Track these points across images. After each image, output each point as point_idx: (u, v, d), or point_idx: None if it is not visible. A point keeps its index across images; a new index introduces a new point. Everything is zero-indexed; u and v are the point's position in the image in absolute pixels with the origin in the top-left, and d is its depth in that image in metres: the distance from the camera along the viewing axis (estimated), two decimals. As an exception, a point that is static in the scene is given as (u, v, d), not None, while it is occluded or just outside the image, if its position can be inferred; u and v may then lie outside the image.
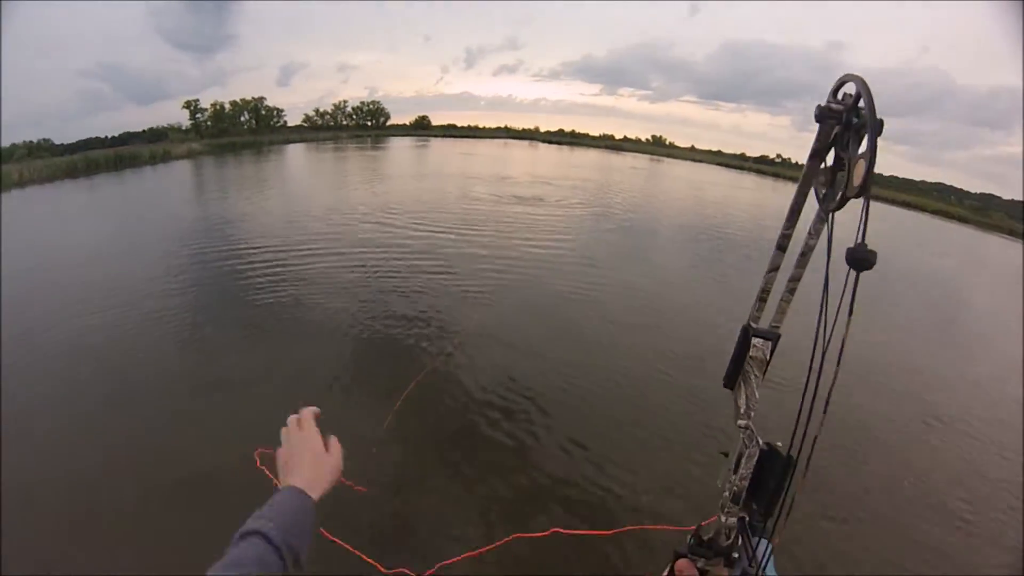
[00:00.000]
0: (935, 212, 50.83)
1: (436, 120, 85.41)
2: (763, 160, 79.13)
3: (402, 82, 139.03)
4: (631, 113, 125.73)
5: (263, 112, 66.56)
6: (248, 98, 65.09)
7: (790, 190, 1.33)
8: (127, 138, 50.49)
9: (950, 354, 10.67)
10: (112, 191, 26.82)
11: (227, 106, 62.59)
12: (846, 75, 1.24)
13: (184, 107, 59.22)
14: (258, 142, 53.71)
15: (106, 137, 50.37)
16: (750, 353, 1.43)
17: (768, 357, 1.41)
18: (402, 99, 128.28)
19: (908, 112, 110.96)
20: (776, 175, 64.37)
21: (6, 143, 41.15)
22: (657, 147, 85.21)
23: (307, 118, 73.96)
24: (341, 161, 39.81)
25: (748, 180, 52.86)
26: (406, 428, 5.84)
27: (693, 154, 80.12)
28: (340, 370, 7.13)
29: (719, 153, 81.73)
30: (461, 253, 13.15)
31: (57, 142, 44.50)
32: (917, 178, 74.79)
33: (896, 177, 72.53)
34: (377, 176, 31.00)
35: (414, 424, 5.93)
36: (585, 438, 5.88)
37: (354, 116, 76.83)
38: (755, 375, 1.42)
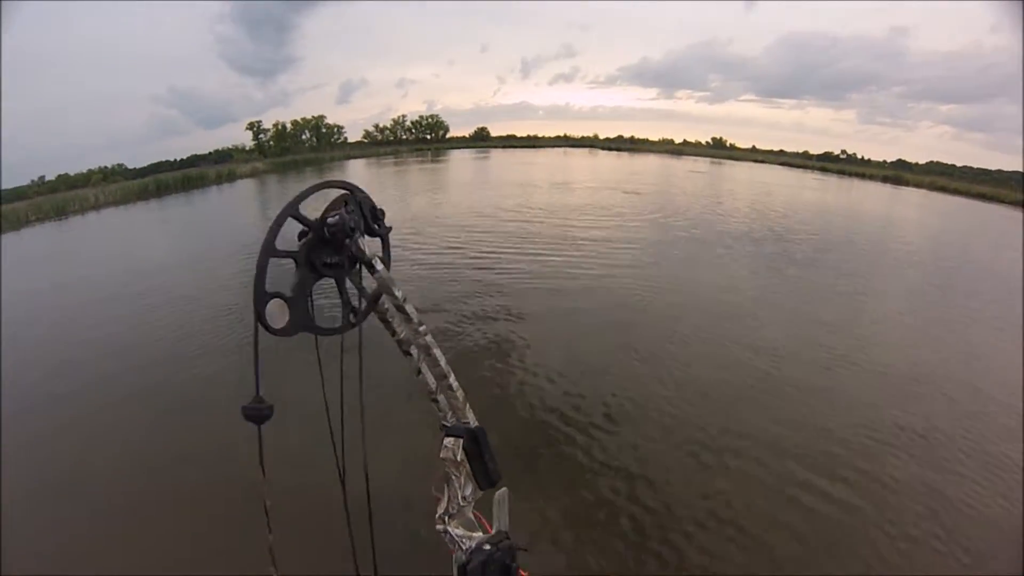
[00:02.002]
0: (1015, 203, 44.15)
1: (495, 131, 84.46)
2: (827, 157, 74.19)
3: (460, 95, 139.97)
4: (689, 115, 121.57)
5: (324, 130, 67.78)
6: (309, 117, 66.43)
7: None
8: (195, 160, 52.19)
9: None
10: (180, 211, 28.04)
11: (288, 125, 64.08)
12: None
13: (248, 128, 61.16)
14: (319, 159, 54.59)
15: (175, 160, 52.38)
16: (440, 455, 1.41)
17: (457, 457, 1.38)
18: (461, 111, 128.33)
19: (981, 97, 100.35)
20: (841, 172, 59.73)
21: (83, 168, 44.15)
22: (718, 149, 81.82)
23: (367, 134, 74.85)
24: (401, 175, 39.52)
25: (811, 180, 49.23)
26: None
27: (755, 155, 76.59)
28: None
29: (781, 152, 77.23)
30: (524, 267, 12.87)
31: (130, 167, 46.77)
32: (993, 167, 67.67)
33: (971, 168, 65.74)
34: (440, 187, 30.56)
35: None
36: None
37: (413, 130, 77.22)
38: (454, 475, 1.40)
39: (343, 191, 1.35)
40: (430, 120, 78.08)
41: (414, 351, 1.38)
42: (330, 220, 1.27)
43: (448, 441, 1.40)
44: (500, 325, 9.29)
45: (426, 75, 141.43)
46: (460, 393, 1.43)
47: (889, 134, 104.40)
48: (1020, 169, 63.66)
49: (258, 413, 1.16)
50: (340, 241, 1.28)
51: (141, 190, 33.47)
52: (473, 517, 1.44)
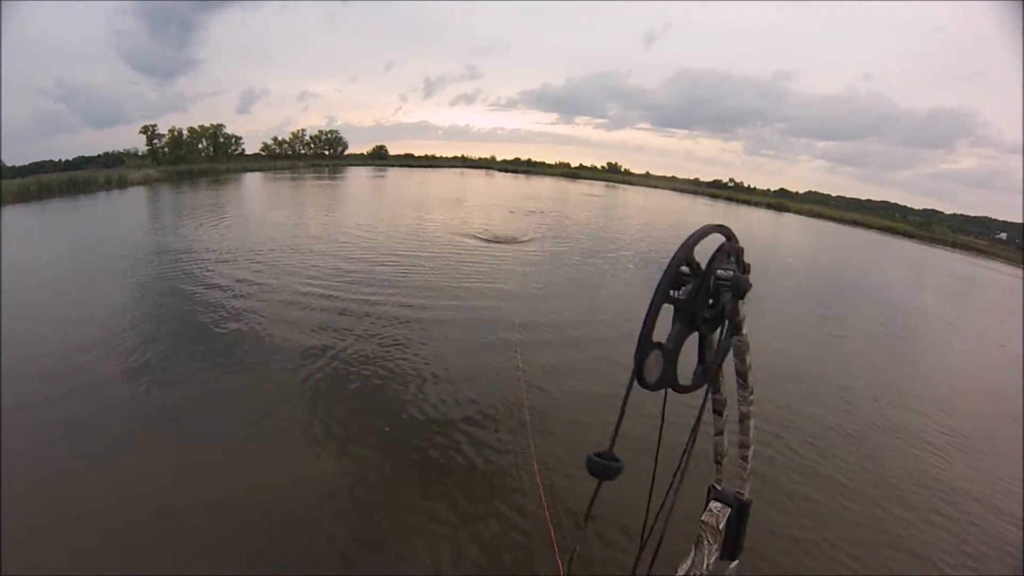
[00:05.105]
0: (881, 229, 54.41)
1: (393, 149, 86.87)
2: (716, 184, 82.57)
3: (362, 111, 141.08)
4: (587, 141, 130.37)
5: (221, 140, 67.13)
6: (207, 125, 65.77)
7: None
8: (81, 162, 50.16)
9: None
10: (66, 216, 26.36)
11: (185, 132, 62.97)
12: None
13: (141, 132, 59.34)
14: (215, 170, 54.04)
15: (60, 160, 50.12)
16: (702, 517, 1.41)
17: (720, 525, 1.38)
18: (361, 128, 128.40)
19: (853, 136, 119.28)
20: (729, 198, 67.70)
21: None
22: (613, 174, 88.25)
23: (265, 146, 74.90)
24: (298, 191, 40.29)
25: (702, 205, 54.08)
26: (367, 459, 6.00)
27: (648, 180, 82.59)
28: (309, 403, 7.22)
29: (673, 179, 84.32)
30: (421, 286, 13.00)
31: (9, 164, 43.81)
32: (863, 197, 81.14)
33: (844, 197, 79.04)
34: (335, 207, 31.33)
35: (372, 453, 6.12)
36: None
37: (312, 145, 78.17)
38: (707, 541, 1.38)
39: (722, 235, 1.21)
40: (329, 136, 79.36)
41: (725, 412, 1.37)
42: (721, 272, 1.18)
43: (715, 506, 1.40)
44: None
45: (328, 89, 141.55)
46: (750, 465, 1.41)
47: (772, 165, 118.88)
48: (887, 199, 76.31)
49: (606, 469, 1.07)
50: (719, 296, 1.18)
51: (21, 191, 31.45)
52: None
